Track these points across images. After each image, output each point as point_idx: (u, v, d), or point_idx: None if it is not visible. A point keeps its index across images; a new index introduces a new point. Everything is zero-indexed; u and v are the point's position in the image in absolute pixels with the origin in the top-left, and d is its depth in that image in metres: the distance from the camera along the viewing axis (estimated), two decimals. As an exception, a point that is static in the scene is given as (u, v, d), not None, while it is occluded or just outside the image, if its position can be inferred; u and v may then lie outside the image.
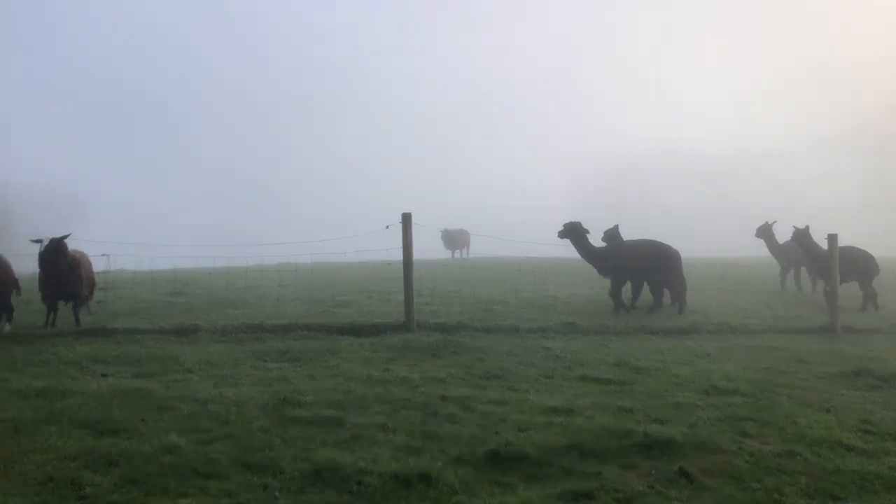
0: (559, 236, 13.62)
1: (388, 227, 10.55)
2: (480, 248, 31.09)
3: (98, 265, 12.16)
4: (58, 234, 10.37)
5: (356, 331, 10.07)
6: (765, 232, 17.37)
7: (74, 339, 9.05)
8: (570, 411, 6.25)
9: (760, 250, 18.55)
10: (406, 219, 10.52)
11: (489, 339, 9.80)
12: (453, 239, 31.65)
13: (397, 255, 14.64)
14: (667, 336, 10.81)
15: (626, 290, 13.70)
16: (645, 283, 13.67)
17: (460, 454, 5.01)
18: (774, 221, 17.35)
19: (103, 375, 7.18)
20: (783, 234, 16.79)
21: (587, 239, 13.62)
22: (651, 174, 66.88)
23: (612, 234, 14.10)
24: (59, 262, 10.18)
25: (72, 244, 10.62)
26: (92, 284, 11.25)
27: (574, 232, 13.53)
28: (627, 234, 14.19)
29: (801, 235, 14.28)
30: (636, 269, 13.50)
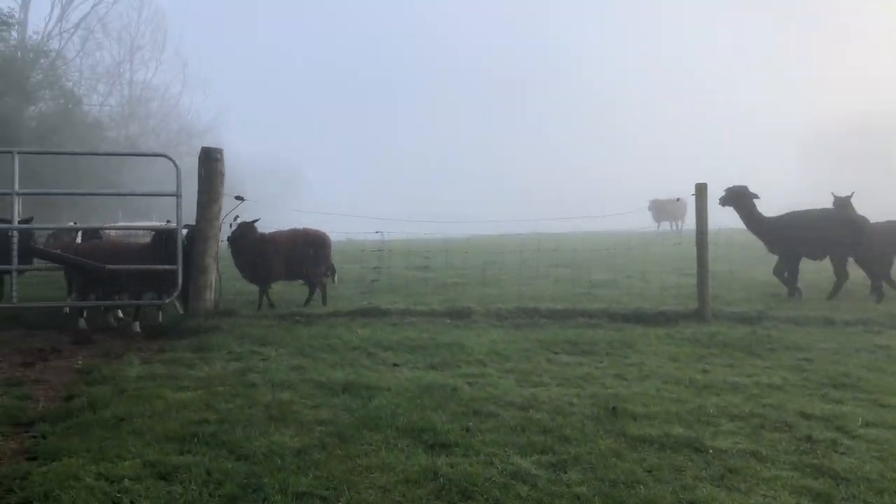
0: (720, 203, 11.54)
1: (678, 199, 9.25)
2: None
3: (341, 240, 11.97)
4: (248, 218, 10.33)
5: (642, 318, 8.95)
6: None
7: (351, 320, 8.77)
8: None
9: None
10: (700, 189, 9.10)
11: (802, 333, 8.29)
12: (664, 210, 29.29)
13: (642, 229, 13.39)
14: None
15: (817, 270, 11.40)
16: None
17: (892, 507, 3.79)
18: None
19: (395, 365, 6.69)
20: None
21: (755, 206, 11.48)
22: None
23: (842, 205, 11.74)
24: (246, 244, 10.11)
25: (308, 220, 10.64)
26: (318, 264, 10.70)
27: (739, 197, 11.48)
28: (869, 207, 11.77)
29: None
30: (813, 244, 11.12)
